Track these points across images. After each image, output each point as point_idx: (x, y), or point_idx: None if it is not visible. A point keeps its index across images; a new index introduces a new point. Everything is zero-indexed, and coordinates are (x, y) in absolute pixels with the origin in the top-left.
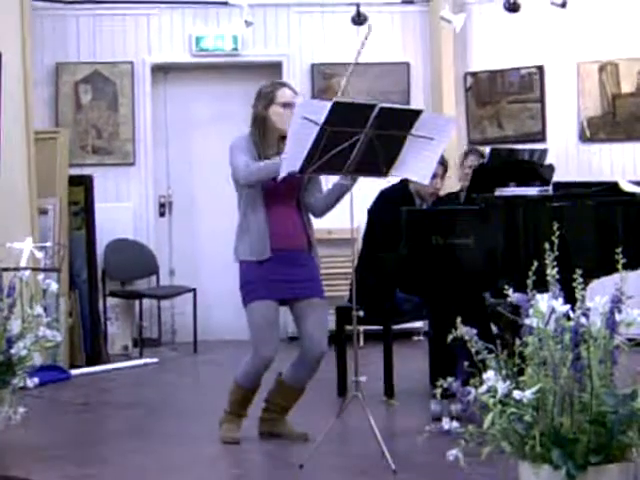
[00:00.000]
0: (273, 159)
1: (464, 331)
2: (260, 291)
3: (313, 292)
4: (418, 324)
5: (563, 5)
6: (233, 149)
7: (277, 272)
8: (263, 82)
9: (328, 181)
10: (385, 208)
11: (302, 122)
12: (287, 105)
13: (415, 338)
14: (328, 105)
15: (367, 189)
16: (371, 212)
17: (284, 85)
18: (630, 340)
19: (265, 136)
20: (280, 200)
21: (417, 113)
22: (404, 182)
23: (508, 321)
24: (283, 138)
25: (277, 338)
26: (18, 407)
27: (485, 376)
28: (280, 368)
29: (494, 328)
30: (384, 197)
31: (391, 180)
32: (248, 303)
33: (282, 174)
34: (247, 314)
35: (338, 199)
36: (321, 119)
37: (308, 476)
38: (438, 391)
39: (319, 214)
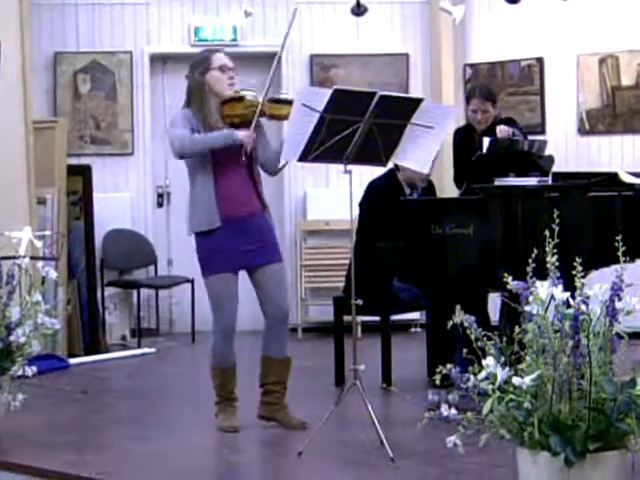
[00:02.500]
0: (211, 133)
1: (463, 318)
2: (215, 264)
3: (268, 258)
4: (415, 315)
5: None
6: (170, 125)
7: (229, 242)
8: (262, 72)
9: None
10: (376, 198)
11: (302, 109)
12: (224, 68)
13: (412, 330)
14: (328, 92)
15: (366, 179)
16: (362, 204)
17: (218, 50)
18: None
19: (205, 104)
20: (229, 166)
21: (417, 102)
22: (392, 171)
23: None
24: (224, 103)
25: (235, 308)
26: (17, 394)
27: (484, 362)
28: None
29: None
30: (373, 188)
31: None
32: (205, 276)
33: (282, 162)
34: (206, 286)
35: None
36: (321, 106)
37: (306, 464)
38: (437, 377)
39: (272, 172)
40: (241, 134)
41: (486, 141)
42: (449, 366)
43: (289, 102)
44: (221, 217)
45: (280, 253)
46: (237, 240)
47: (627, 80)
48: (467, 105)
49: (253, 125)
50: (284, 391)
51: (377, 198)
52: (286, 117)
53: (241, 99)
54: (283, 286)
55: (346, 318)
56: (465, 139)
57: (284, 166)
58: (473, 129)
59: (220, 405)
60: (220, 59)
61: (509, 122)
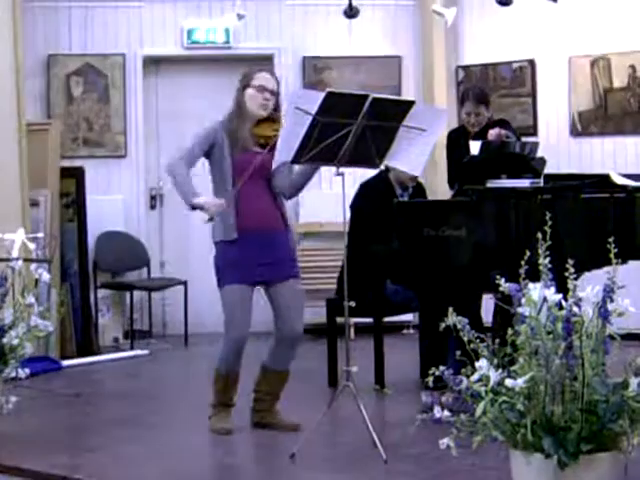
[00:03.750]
0: (195, 194)
1: (456, 320)
2: (232, 275)
3: (285, 274)
4: (408, 317)
5: None
6: (194, 135)
7: (248, 255)
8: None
9: None
10: (367, 200)
11: (295, 112)
12: (261, 89)
13: (405, 331)
14: (321, 95)
15: (359, 182)
16: (354, 205)
17: (262, 70)
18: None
19: (238, 118)
20: (251, 179)
21: (410, 104)
22: (383, 173)
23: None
24: (259, 122)
25: (248, 320)
26: (10, 396)
27: (477, 364)
28: (263, 357)
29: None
30: (365, 189)
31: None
32: (221, 286)
33: (275, 164)
34: (221, 295)
35: (308, 179)
36: (314, 109)
37: (299, 466)
38: (430, 379)
39: (288, 195)
40: (202, 200)
41: (474, 145)
42: (442, 368)
43: None
44: (239, 229)
45: (298, 270)
46: (254, 253)
47: (619, 82)
48: (461, 107)
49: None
50: (275, 401)
51: (368, 199)
52: None
53: (273, 121)
54: (297, 304)
55: (339, 320)
56: (459, 141)
57: (299, 192)
58: (467, 131)
59: (216, 408)
60: (260, 78)
61: (502, 124)
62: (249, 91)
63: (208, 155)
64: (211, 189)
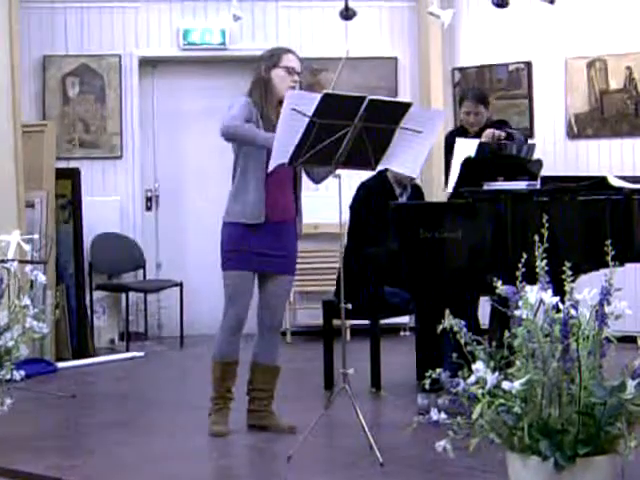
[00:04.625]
0: (266, 134)
1: (452, 323)
2: (238, 261)
3: (285, 269)
4: (404, 319)
5: (552, 1)
6: (233, 103)
7: (262, 245)
8: (251, 76)
9: None
10: (367, 200)
11: (291, 113)
12: (290, 70)
13: (402, 334)
14: (318, 97)
15: (355, 184)
16: (353, 206)
17: (290, 51)
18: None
19: (265, 98)
20: (280, 170)
21: (406, 106)
22: (382, 173)
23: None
24: (281, 102)
25: (247, 304)
26: (5, 399)
27: (474, 367)
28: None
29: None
30: (364, 189)
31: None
32: (227, 269)
33: (271, 166)
34: (224, 278)
35: (330, 172)
36: (310, 111)
37: (295, 468)
38: (426, 381)
39: (319, 180)
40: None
41: (461, 142)
42: (438, 370)
43: None
44: (266, 216)
45: (295, 267)
46: (266, 243)
47: (615, 83)
48: (459, 107)
49: None
50: (271, 399)
51: (368, 200)
52: None
53: None
54: (284, 298)
55: (335, 322)
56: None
57: (327, 176)
58: (465, 131)
59: (215, 402)
60: (290, 60)
61: (501, 124)
62: (279, 72)
63: None
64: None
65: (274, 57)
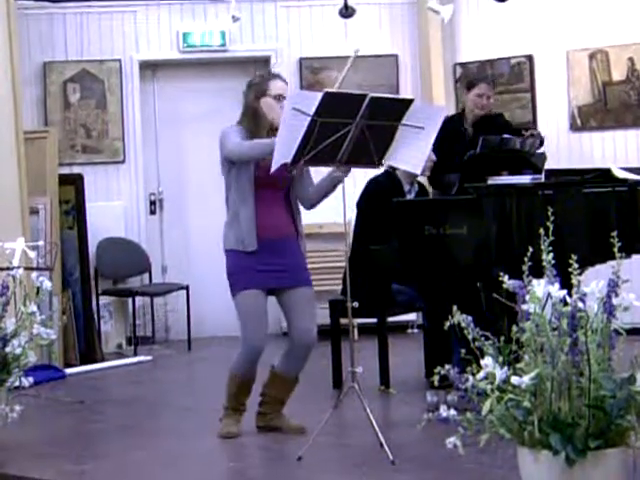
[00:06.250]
0: (265, 140)
1: (461, 318)
2: (247, 281)
3: (300, 281)
4: (412, 317)
5: None
6: (225, 133)
7: (263, 262)
8: (250, 77)
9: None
10: (375, 196)
11: (293, 113)
12: (279, 97)
13: (409, 331)
14: (319, 96)
15: (360, 183)
16: (361, 203)
17: (276, 77)
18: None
19: (256, 126)
20: (270, 190)
21: (408, 103)
22: (390, 169)
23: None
24: (273, 130)
25: (265, 327)
26: (14, 405)
27: (483, 362)
28: (274, 361)
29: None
30: (373, 185)
31: None
32: (236, 293)
33: (274, 166)
34: (235, 304)
35: (328, 192)
36: (312, 110)
37: (306, 468)
38: (435, 378)
39: (309, 206)
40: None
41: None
42: (447, 367)
43: None
44: (259, 238)
45: (309, 277)
46: (271, 260)
47: (617, 75)
48: (467, 92)
49: None
50: (283, 405)
51: (376, 196)
52: None
53: None
54: (312, 312)
55: (343, 321)
56: (455, 127)
57: (316, 205)
58: (463, 120)
59: (227, 411)
60: (277, 88)
61: (499, 118)
62: (267, 100)
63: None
64: (223, 202)
65: (261, 85)
